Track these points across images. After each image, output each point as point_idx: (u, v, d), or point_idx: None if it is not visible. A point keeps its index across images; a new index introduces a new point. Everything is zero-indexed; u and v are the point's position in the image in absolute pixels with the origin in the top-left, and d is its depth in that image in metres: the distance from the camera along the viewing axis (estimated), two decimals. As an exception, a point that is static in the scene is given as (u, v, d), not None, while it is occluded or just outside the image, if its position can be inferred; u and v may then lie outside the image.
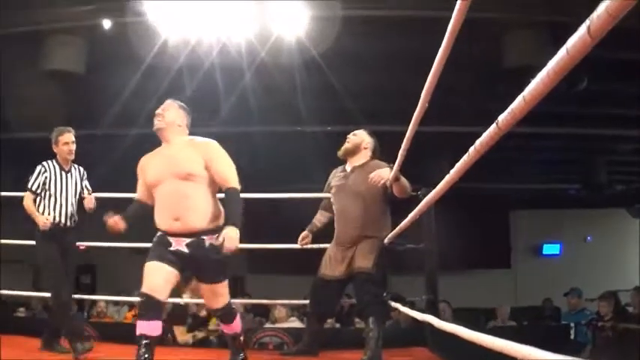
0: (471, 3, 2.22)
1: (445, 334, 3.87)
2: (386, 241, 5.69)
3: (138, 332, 4.45)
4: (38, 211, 6.06)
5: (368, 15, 8.91)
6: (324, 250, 6.11)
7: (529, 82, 1.74)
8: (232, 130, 11.65)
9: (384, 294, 5.81)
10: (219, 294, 4.78)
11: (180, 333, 8.34)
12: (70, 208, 6.17)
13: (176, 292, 4.94)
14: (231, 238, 4.46)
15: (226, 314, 4.91)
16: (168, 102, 4.93)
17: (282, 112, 11.27)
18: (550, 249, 19.09)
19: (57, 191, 6.12)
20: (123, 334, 4.50)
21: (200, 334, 8.28)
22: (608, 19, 1.27)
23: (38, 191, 6.09)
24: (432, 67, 2.87)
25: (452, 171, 2.98)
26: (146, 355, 4.41)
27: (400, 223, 5.44)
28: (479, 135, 2.41)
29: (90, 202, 6.26)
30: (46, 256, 6.04)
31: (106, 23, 8.86)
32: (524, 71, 8.66)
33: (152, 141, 4.87)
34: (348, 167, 6.02)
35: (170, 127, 4.77)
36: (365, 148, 6.01)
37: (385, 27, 9.16)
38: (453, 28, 2.38)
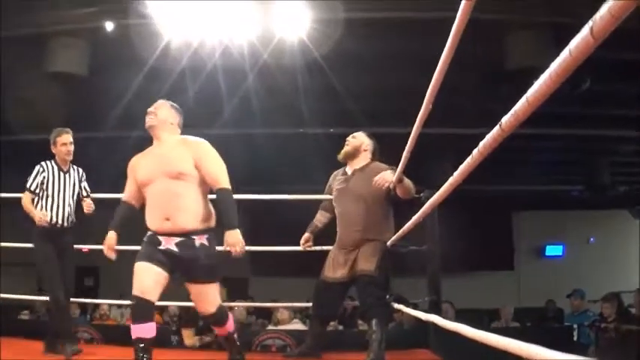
0: (474, 4, 2.22)
1: (448, 335, 3.87)
2: (389, 243, 5.69)
3: (133, 336, 4.47)
4: (36, 211, 6.08)
5: (369, 17, 8.91)
6: (326, 252, 6.11)
7: (532, 84, 1.74)
8: (235, 132, 11.66)
9: (387, 296, 5.81)
10: (210, 297, 4.73)
11: (188, 336, 8.32)
12: (67, 209, 6.19)
13: (185, 295, 4.89)
14: (233, 241, 4.52)
15: (219, 318, 4.85)
16: (161, 101, 4.93)
17: (285, 114, 11.27)
18: (553, 250, 19.08)
19: (55, 192, 6.14)
20: (126, 336, 4.49)
21: (207, 338, 8.27)
22: (610, 20, 1.27)
23: (36, 191, 6.11)
24: (433, 68, 2.87)
25: (455, 173, 2.98)
26: (144, 358, 4.44)
27: (402, 225, 5.44)
28: (482, 137, 2.41)
29: (89, 206, 6.28)
30: (43, 256, 6.07)
31: (109, 25, 8.86)
32: (527, 72, 8.66)
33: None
34: (349, 170, 6.02)
35: (162, 124, 4.77)
36: (365, 151, 6.01)
37: (387, 29, 9.16)
38: (458, 29, 2.38)
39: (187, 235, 4.55)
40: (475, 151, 2.51)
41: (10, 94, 10.02)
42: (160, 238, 4.58)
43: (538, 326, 12.84)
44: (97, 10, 8.79)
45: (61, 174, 6.21)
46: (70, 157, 6.26)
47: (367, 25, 9.01)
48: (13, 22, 8.61)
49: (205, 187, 4.69)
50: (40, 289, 6.55)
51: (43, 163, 6.21)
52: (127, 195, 4.93)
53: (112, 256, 4.82)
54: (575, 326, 10.39)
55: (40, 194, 6.11)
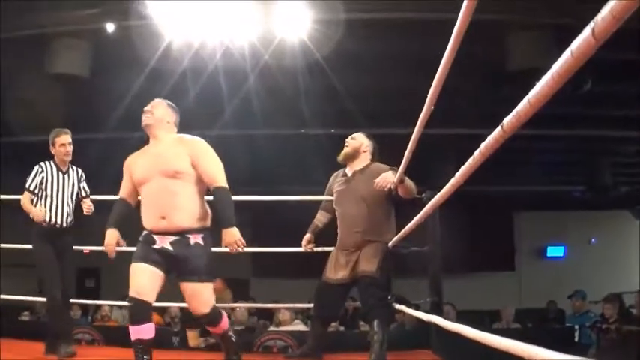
0: (476, 5, 2.22)
1: (450, 336, 3.87)
2: (390, 244, 5.69)
3: (132, 338, 4.49)
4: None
5: (370, 18, 8.91)
6: (327, 253, 6.11)
7: (533, 84, 1.74)
8: (235, 133, 11.66)
9: (389, 297, 5.81)
10: (204, 297, 4.65)
11: (193, 337, 8.30)
12: (66, 209, 6.20)
13: None
14: (231, 239, 4.53)
15: (213, 319, 4.79)
16: (157, 100, 4.93)
17: (286, 115, 11.28)
18: (554, 251, 19.07)
19: (54, 192, 6.15)
20: (127, 337, 4.49)
21: (212, 339, 8.26)
22: (612, 21, 1.27)
23: (35, 191, 6.12)
24: (434, 69, 2.87)
25: (457, 174, 2.98)
26: (144, 359, 4.44)
27: (403, 226, 5.43)
28: (483, 137, 2.41)
29: (89, 207, 6.29)
30: (42, 257, 6.08)
31: (111, 26, 8.87)
32: (528, 73, 8.66)
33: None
34: (349, 172, 6.02)
35: (158, 123, 4.76)
36: (364, 152, 6.01)
37: (387, 30, 9.16)
38: (460, 29, 2.38)
39: (182, 233, 4.54)
40: (477, 152, 2.52)
41: (11, 95, 10.03)
42: (155, 237, 4.58)
43: (539, 327, 12.82)
44: (99, 11, 8.80)
45: (60, 174, 6.23)
46: (69, 158, 6.27)
47: (368, 26, 9.02)
48: (14, 23, 8.62)
49: (202, 186, 4.69)
50: (40, 290, 6.55)
51: (42, 163, 6.23)
52: (122, 193, 4.93)
53: (113, 254, 4.82)
54: (576, 327, 10.39)
55: (39, 194, 6.13)
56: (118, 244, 4.82)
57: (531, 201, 18.05)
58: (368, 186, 5.69)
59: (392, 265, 5.73)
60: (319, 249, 6.36)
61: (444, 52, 2.66)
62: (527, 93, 1.81)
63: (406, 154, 4.35)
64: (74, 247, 6.45)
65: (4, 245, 7.16)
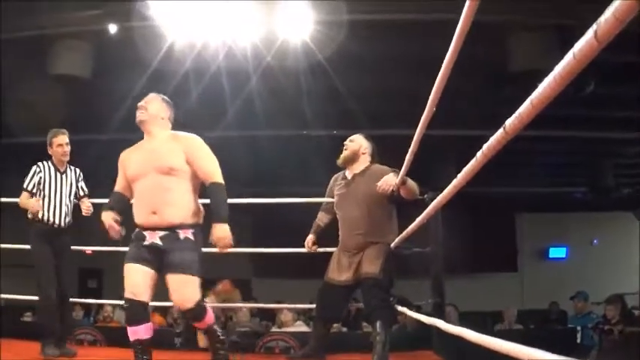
0: (477, 6, 2.22)
1: (451, 337, 3.87)
2: (392, 245, 5.69)
3: (131, 339, 4.50)
4: (33, 212, 6.11)
5: (372, 19, 8.91)
6: (330, 253, 6.10)
7: (535, 85, 1.74)
8: (238, 134, 11.67)
9: (391, 298, 5.81)
10: (188, 291, 4.49)
11: (202, 338, 8.27)
12: (64, 209, 6.21)
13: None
14: (221, 238, 4.49)
15: (197, 314, 4.65)
16: (152, 95, 4.90)
17: (288, 116, 11.28)
18: (556, 252, 19.08)
19: (51, 192, 6.16)
20: (129, 338, 4.50)
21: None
22: (615, 24, 1.27)
23: (33, 191, 6.13)
24: (436, 69, 2.87)
25: (459, 175, 2.98)
26: (143, 359, 4.45)
27: (405, 227, 5.43)
28: (485, 138, 2.41)
29: (87, 207, 6.29)
30: (38, 256, 6.09)
31: (112, 28, 8.88)
32: (529, 74, 8.67)
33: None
34: (349, 175, 5.99)
35: (153, 119, 4.74)
36: (364, 154, 5.98)
37: (390, 31, 9.17)
38: (462, 30, 2.38)
39: (173, 228, 4.50)
40: (479, 154, 2.51)
41: (12, 96, 10.04)
42: (145, 233, 4.55)
43: (541, 328, 12.83)
44: (101, 12, 8.81)
45: (58, 174, 6.24)
46: (67, 158, 6.28)
47: (370, 27, 9.02)
48: (16, 25, 8.63)
49: (196, 182, 4.67)
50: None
51: (39, 163, 6.24)
52: (118, 188, 4.92)
53: (117, 232, 4.78)
54: (578, 328, 10.39)
55: (37, 194, 6.13)
56: (116, 223, 4.77)
57: (534, 202, 18.05)
58: (368, 188, 5.69)
59: (394, 266, 5.72)
60: (322, 250, 6.35)
61: (445, 53, 2.66)
62: (528, 94, 1.81)
63: (408, 155, 4.34)
64: (77, 247, 6.46)
65: (4, 245, 7.16)
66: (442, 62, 2.75)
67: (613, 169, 15.47)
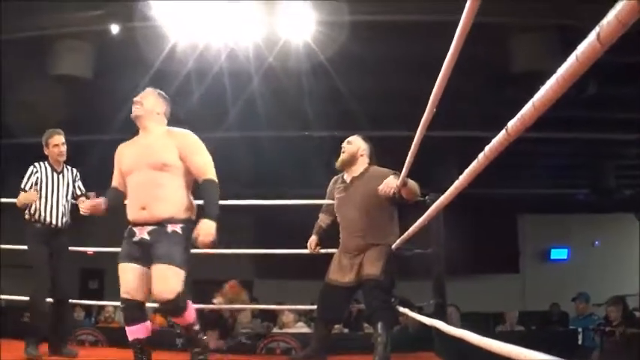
0: (478, 7, 2.22)
1: (452, 338, 3.86)
2: (394, 246, 5.68)
3: (130, 338, 4.51)
4: (30, 212, 6.13)
5: (374, 20, 8.91)
6: (331, 254, 6.10)
7: (536, 86, 1.74)
8: (240, 135, 11.67)
9: (392, 299, 5.81)
10: (169, 282, 4.38)
11: (212, 338, 8.25)
12: (61, 209, 6.22)
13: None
14: (204, 231, 4.42)
15: (175, 308, 4.50)
16: (148, 90, 4.90)
17: (290, 117, 11.28)
18: (558, 254, 19.07)
19: (48, 192, 6.17)
20: (130, 339, 4.52)
21: (232, 341, 8.22)
22: (618, 26, 1.27)
23: (30, 191, 6.13)
24: (437, 71, 2.87)
25: (461, 177, 2.98)
26: (143, 359, 4.45)
27: (407, 228, 5.42)
28: (486, 140, 2.41)
29: (85, 207, 6.29)
30: (34, 257, 6.10)
31: (114, 28, 8.88)
32: (531, 75, 8.67)
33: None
34: (347, 178, 5.98)
35: (148, 114, 4.74)
36: (362, 156, 5.97)
37: (392, 32, 9.17)
38: (462, 31, 2.37)
39: (162, 223, 4.48)
40: (481, 155, 2.51)
41: (14, 97, 10.04)
42: (135, 229, 4.56)
43: (543, 330, 12.83)
44: (103, 12, 8.81)
45: (55, 174, 6.25)
46: (63, 158, 6.30)
47: (371, 28, 9.03)
48: (17, 25, 8.63)
49: (189, 179, 4.66)
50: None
51: (36, 163, 6.26)
52: (114, 183, 4.93)
53: (89, 211, 4.83)
54: (579, 330, 10.40)
55: (34, 200, 6.14)
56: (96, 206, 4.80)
57: (535, 203, 18.05)
58: (367, 191, 5.69)
59: (396, 267, 5.72)
60: (324, 251, 6.34)
61: (446, 54, 2.66)
62: (530, 95, 1.80)
63: (409, 157, 4.34)
64: (78, 248, 6.46)
65: (4, 246, 7.17)
66: (443, 63, 2.74)
67: (615, 170, 15.46)
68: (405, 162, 4.58)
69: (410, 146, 4.10)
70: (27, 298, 6.28)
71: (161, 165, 4.53)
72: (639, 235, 15.98)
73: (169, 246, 4.42)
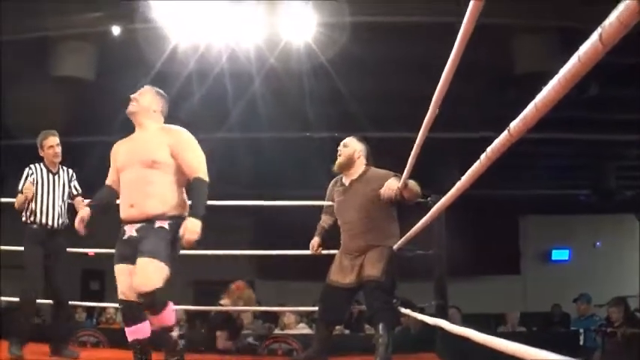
0: (481, 8, 2.22)
1: (454, 340, 3.87)
2: (396, 247, 5.68)
3: (129, 339, 4.50)
4: (26, 214, 6.14)
5: (375, 21, 8.92)
6: (332, 255, 6.10)
7: (538, 87, 1.74)
8: (241, 136, 11.67)
9: (394, 300, 5.81)
10: (148, 274, 4.31)
11: (221, 339, 8.24)
12: (57, 210, 6.23)
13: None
14: (189, 229, 4.35)
15: (152, 302, 4.40)
16: (146, 87, 4.89)
17: (291, 118, 11.28)
18: (559, 255, 19.05)
19: (44, 193, 6.19)
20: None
21: (241, 342, 8.21)
22: (619, 27, 1.27)
23: (27, 185, 6.14)
24: (438, 72, 2.87)
25: (463, 178, 2.98)
26: (142, 359, 4.45)
27: (408, 228, 5.43)
28: (488, 141, 2.41)
29: (79, 205, 6.29)
30: (28, 258, 6.11)
31: (116, 30, 8.89)
32: (532, 76, 8.67)
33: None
34: (346, 181, 5.97)
35: (144, 111, 4.73)
36: (359, 158, 5.96)
37: (393, 33, 9.17)
38: (465, 33, 2.38)
39: (150, 220, 4.46)
40: (483, 156, 2.51)
41: (15, 98, 10.04)
42: (125, 227, 4.55)
43: (544, 331, 12.83)
44: (104, 14, 8.82)
45: (50, 175, 6.27)
46: (59, 159, 6.32)
47: (372, 29, 9.03)
48: (20, 26, 8.63)
49: (181, 177, 4.61)
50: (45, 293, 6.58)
51: (32, 165, 6.29)
52: (108, 180, 4.91)
53: (82, 230, 4.75)
54: (581, 331, 10.39)
55: (30, 196, 6.15)
56: (84, 220, 4.75)
57: (537, 204, 18.03)
58: (367, 193, 5.70)
59: (397, 268, 5.72)
60: (325, 252, 6.34)
61: (447, 56, 2.66)
62: (532, 96, 1.81)
63: (410, 159, 4.33)
64: (79, 250, 6.46)
65: (4, 247, 7.17)
66: (444, 65, 2.74)
67: (616, 171, 15.45)
68: (405, 163, 4.58)
69: (410, 147, 4.11)
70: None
71: (151, 162, 4.51)
72: (640, 236, 16.01)
73: (154, 241, 4.39)
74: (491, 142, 2.36)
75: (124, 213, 4.56)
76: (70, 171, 6.48)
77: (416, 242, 5.78)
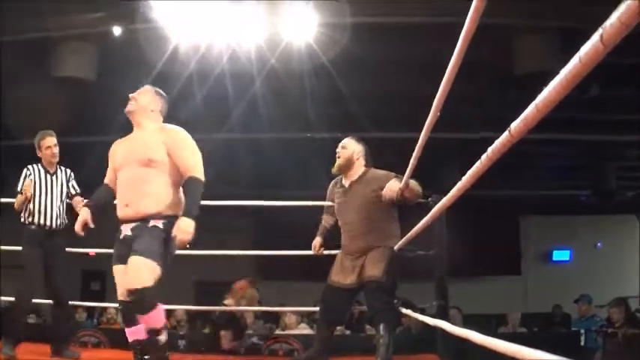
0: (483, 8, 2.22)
1: (455, 340, 3.86)
2: (396, 247, 5.68)
3: (129, 340, 4.49)
4: (25, 214, 6.15)
5: (376, 22, 8.92)
6: (334, 256, 6.10)
7: (539, 88, 1.74)
8: (242, 136, 11.67)
9: (395, 301, 5.81)
10: (137, 271, 4.27)
11: (225, 339, 8.24)
12: (55, 211, 6.24)
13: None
14: (181, 229, 4.31)
15: (142, 302, 4.32)
16: (146, 87, 4.89)
17: (292, 118, 11.28)
18: (560, 255, 19.04)
19: (42, 194, 6.19)
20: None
21: (245, 342, 8.20)
22: (621, 28, 1.27)
23: (26, 183, 6.15)
24: (439, 72, 2.87)
25: (464, 178, 2.97)
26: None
27: (408, 229, 5.42)
28: (489, 141, 2.41)
29: (78, 205, 6.29)
30: (26, 259, 6.12)
31: (117, 30, 8.88)
32: (533, 76, 8.67)
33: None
34: (346, 182, 5.97)
35: (142, 111, 4.72)
36: (357, 159, 5.95)
37: (394, 33, 9.17)
38: (468, 31, 2.37)
39: (145, 219, 4.44)
40: (484, 157, 2.51)
41: (16, 98, 10.03)
42: (122, 227, 4.55)
43: (545, 332, 12.83)
44: (105, 14, 8.81)
45: (48, 176, 6.27)
46: (56, 159, 6.32)
47: (373, 30, 9.02)
48: (21, 27, 8.64)
49: (177, 176, 4.58)
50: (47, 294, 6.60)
51: (29, 166, 6.29)
52: (106, 180, 4.91)
53: (80, 232, 4.76)
54: (582, 331, 10.39)
55: (29, 197, 6.15)
56: (86, 224, 4.75)
57: (537, 205, 18.02)
58: (367, 194, 5.71)
59: (398, 268, 5.72)
60: (327, 252, 6.33)
61: (448, 56, 2.66)
62: (532, 96, 1.81)
63: (412, 160, 4.33)
64: (79, 250, 6.46)
65: (4, 247, 7.18)
66: (445, 65, 2.74)
67: (616, 172, 15.45)
68: (406, 163, 4.57)
69: (411, 147, 4.10)
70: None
71: (147, 161, 4.50)
72: (640, 236, 16.02)
73: (147, 240, 4.36)
74: (492, 142, 2.36)
75: (120, 212, 4.56)
76: (68, 171, 6.48)
77: (417, 243, 5.78)
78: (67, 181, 6.41)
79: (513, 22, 8.78)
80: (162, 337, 4.45)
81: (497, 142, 2.30)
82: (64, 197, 6.34)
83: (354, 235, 5.78)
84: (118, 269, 4.50)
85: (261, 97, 10.35)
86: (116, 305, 9.73)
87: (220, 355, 7.61)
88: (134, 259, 4.30)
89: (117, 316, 11.14)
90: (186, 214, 4.37)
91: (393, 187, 5.51)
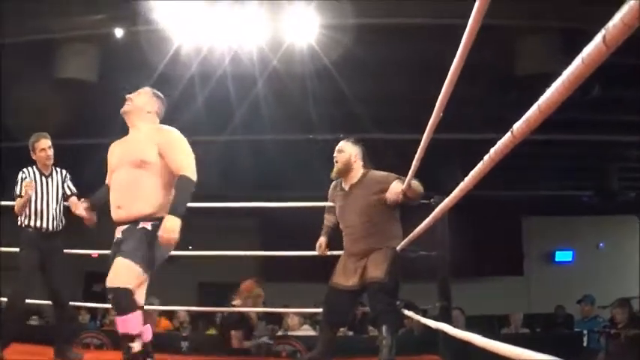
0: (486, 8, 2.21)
1: (457, 341, 3.86)
2: (399, 248, 5.68)
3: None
4: (22, 217, 6.15)
5: (377, 23, 8.92)
6: (337, 256, 6.10)
7: (541, 89, 1.74)
8: (244, 138, 11.67)
9: (397, 302, 5.81)
10: (119, 270, 4.27)
11: (236, 338, 8.22)
12: (52, 213, 6.24)
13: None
14: (167, 228, 4.28)
15: (120, 300, 4.24)
16: (144, 88, 4.91)
17: (294, 120, 11.28)
18: (563, 256, 19.03)
19: (38, 197, 6.18)
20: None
21: (256, 341, 8.20)
22: (623, 29, 1.27)
23: (26, 182, 6.15)
24: (441, 73, 2.87)
25: (466, 179, 2.97)
26: None
27: (410, 230, 5.42)
28: (491, 142, 2.41)
29: (75, 206, 6.28)
30: (23, 262, 6.12)
31: (119, 32, 8.89)
32: (535, 77, 8.66)
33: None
34: (346, 186, 5.96)
35: (138, 111, 4.74)
36: (355, 161, 5.95)
37: (396, 35, 9.17)
38: (471, 32, 2.37)
39: (136, 221, 4.43)
40: (486, 157, 2.51)
41: (18, 99, 10.04)
42: (116, 229, 4.55)
43: (548, 332, 12.82)
44: (107, 16, 8.82)
45: (43, 178, 6.28)
46: (51, 161, 6.32)
47: (375, 31, 9.02)
48: (23, 29, 8.64)
49: (169, 177, 4.54)
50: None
51: (25, 169, 6.30)
52: (107, 181, 4.92)
53: (90, 217, 4.91)
54: (585, 332, 10.38)
55: (30, 194, 6.15)
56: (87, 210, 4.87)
57: (540, 206, 18.02)
58: (368, 196, 5.70)
59: (400, 270, 5.71)
60: (330, 253, 6.33)
61: (450, 57, 2.66)
62: (534, 97, 1.81)
63: (415, 161, 4.32)
64: (82, 251, 6.46)
65: (4, 249, 7.19)
66: (447, 66, 2.74)
67: (619, 172, 15.45)
68: (408, 164, 4.57)
69: (414, 148, 4.10)
70: (31, 302, 6.29)
71: (140, 162, 4.50)
72: (641, 237, 16.00)
73: (132, 242, 4.35)
74: (495, 143, 2.36)
75: (114, 214, 4.57)
76: (64, 172, 6.47)
77: (419, 243, 5.78)
78: (63, 182, 6.40)
79: (515, 23, 8.78)
80: (136, 346, 4.29)
81: (500, 143, 2.30)
82: (60, 199, 6.33)
83: (356, 238, 5.78)
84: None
85: (263, 99, 10.35)
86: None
87: (226, 356, 7.61)
88: (117, 260, 4.32)
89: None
90: (172, 212, 4.33)
91: (395, 189, 5.51)
